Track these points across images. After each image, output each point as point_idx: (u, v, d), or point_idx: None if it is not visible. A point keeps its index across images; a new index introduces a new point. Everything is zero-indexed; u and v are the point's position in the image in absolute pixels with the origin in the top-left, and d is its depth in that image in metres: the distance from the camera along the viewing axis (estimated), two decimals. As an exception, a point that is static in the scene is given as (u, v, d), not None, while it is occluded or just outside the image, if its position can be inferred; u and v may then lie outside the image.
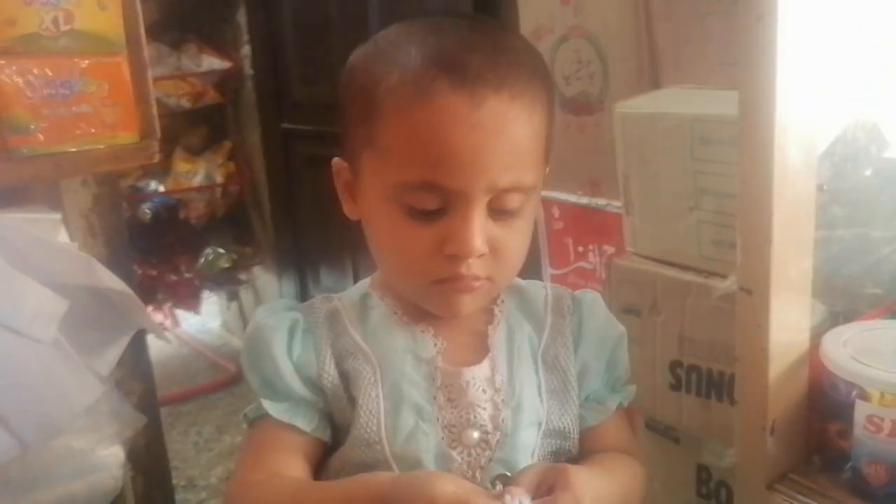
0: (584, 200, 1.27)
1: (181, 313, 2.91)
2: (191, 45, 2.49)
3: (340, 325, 0.70)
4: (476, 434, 0.66)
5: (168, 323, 2.89)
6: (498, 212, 0.63)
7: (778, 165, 0.69)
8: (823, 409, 0.76)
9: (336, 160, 0.70)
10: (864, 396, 0.70)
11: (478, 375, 0.67)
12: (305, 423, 0.67)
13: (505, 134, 0.61)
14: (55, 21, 0.85)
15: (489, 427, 0.66)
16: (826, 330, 0.78)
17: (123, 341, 0.96)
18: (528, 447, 0.67)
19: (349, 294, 0.73)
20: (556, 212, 1.34)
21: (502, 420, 0.66)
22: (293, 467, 0.66)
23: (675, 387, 1.02)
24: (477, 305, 0.68)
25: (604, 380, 0.73)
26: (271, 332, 0.68)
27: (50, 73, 0.86)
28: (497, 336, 0.70)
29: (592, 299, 0.75)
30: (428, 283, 0.65)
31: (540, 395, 0.69)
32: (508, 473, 0.64)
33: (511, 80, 0.62)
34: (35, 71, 0.85)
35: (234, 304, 2.88)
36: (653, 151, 1.00)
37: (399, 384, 0.67)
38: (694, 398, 1.00)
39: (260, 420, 0.68)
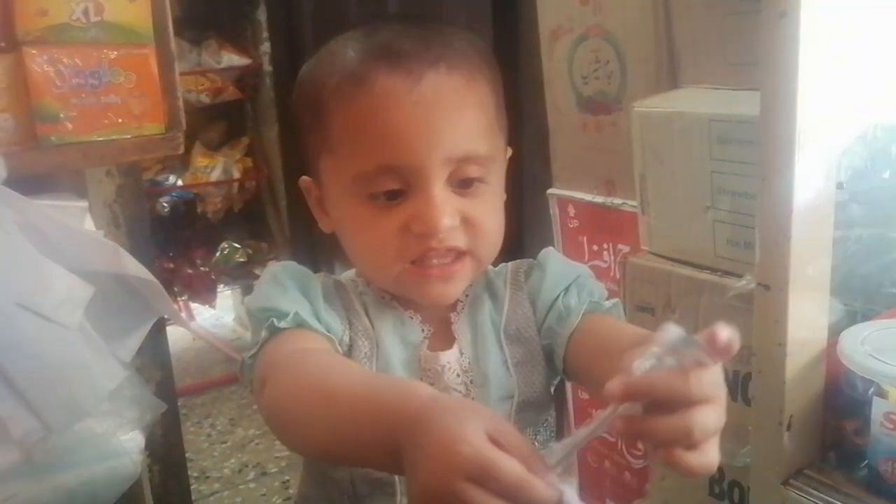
0: (600, 199, 1.28)
1: (196, 307, 2.93)
2: (211, 41, 2.52)
3: (347, 297, 0.72)
4: None
5: (183, 316, 2.92)
6: (460, 185, 0.64)
7: (798, 163, 0.69)
8: (840, 406, 0.77)
9: (303, 178, 0.72)
10: (882, 394, 0.70)
11: (452, 359, 0.69)
12: (337, 336, 0.66)
13: (448, 104, 0.63)
14: (85, 12, 0.86)
15: None
16: (843, 328, 0.79)
17: (145, 328, 0.97)
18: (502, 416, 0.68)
19: (343, 277, 0.75)
20: (571, 210, 1.35)
21: (472, 399, 0.68)
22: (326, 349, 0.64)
23: (690, 385, 1.02)
24: (459, 289, 0.69)
25: (566, 297, 0.71)
26: (302, 275, 0.69)
27: (79, 64, 0.87)
28: (460, 321, 0.71)
29: (547, 251, 0.76)
30: (405, 268, 0.65)
31: (508, 368, 0.70)
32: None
33: (446, 55, 0.63)
34: (65, 61, 0.86)
35: (248, 299, 2.90)
36: (670, 151, 1.01)
37: (391, 362, 0.69)
38: (708, 397, 1.00)
39: (283, 331, 0.64)
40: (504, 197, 0.72)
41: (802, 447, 0.77)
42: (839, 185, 0.75)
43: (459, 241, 0.65)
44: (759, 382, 0.77)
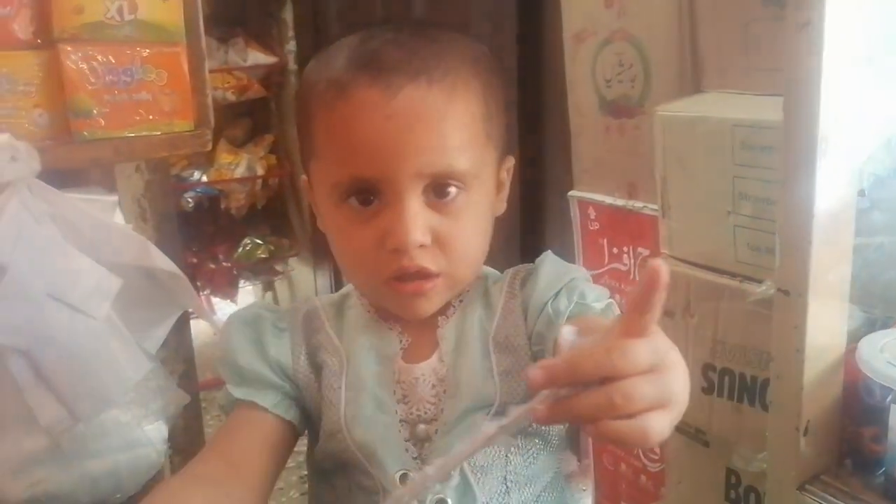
0: (621, 202, 1.28)
1: (218, 301, 2.96)
2: (238, 39, 2.54)
3: (318, 321, 0.73)
4: (424, 427, 0.68)
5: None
6: (437, 201, 0.64)
7: (820, 170, 0.70)
8: (857, 412, 0.76)
9: (302, 177, 0.73)
10: (900, 401, 0.70)
11: (426, 370, 0.69)
12: (266, 400, 0.69)
13: (424, 120, 0.61)
14: (120, 10, 0.89)
15: (436, 420, 0.68)
16: (862, 335, 0.78)
17: (171, 321, 0.99)
18: (470, 430, 0.67)
19: (331, 296, 0.77)
20: (592, 213, 1.35)
21: (442, 410, 0.68)
22: (244, 448, 0.68)
23: (707, 390, 1.02)
24: (436, 305, 0.69)
25: (556, 301, 0.70)
26: (244, 324, 0.72)
27: (113, 61, 0.90)
28: (447, 327, 0.71)
29: (543, 256, 0.75)
30: (381, 283, 0.66)
31: (493, 377, 0.69)
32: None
33: (430, 68, 0.62)
34: (99, 58, 0.89)
35: (268, 295, 2.93)
36: (692, 155, 1.01)
37: (361, 377, 0.69)
38: (725, 402, 1.00)
39: (230, 406, 0.71)
40: (495, 210, 0.71)
41: (819, 453, 0.77)
42: (861, 193, 0.75)
43: (431, 262, 0.64)
44: (777, 387, 0.77)
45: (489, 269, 0.76)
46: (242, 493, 0.64)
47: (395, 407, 0.69)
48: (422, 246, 0.63)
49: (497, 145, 0.69)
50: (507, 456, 0.69)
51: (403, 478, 0.67)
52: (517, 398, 0.69)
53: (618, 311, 0.72)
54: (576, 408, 0.44)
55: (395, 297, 0.67)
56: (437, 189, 0.64)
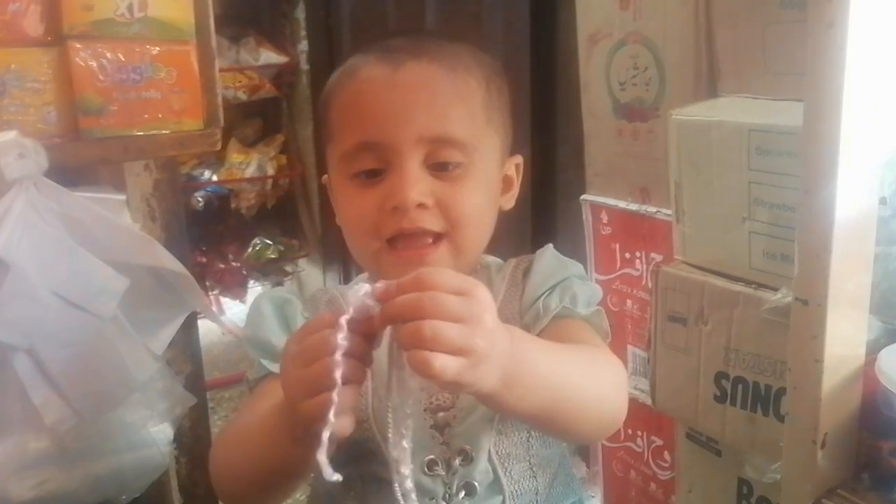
0: (634, 207, 1.27)
1: (226, 301, 2.96)
2: (249, 38, 2.54)
3: (336, 305, 0.76)
4: (443, 415, 0.71)
5: (214, 310, 2.95)
6: (437, 168, 0.68)
7: (841, 176, 0.68)
8: (876, 426, 0.75)
9: (324, 177, 0.78)
10: (920, 415, 0.69)
11: None
12: None
13: (425, 88, 0.68)
14: (130, 7, 0.88)
15: (453, 407, 0.71)
16: (882, 346, 0.77)
17: (178, 322, 0.98)
18: (487, 415, 0.70)
19: (344, 286, 0.79)
20: (604, 217, 1.34)
21: (457, 397, 0.71)
22: None
23: (720, 398, 1.01)
24: None
25: (548, 297, 0.73)
26: (274, 305, 0.75)
27: (122, 59, 0.89)
28: None
29: (542, 250, 0.78)
30: (381, 247, 0.69)
31: None
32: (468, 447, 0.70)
33: (433, 52, 0.69)
34: (108, 56, 0.88)
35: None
36: (707, 160, 0.99)
37: (383, 366, 0.70)
38: (738, 411, 0.99)
39: (259, 381, 0.74)
40: (503, 204, 0.75)
41: (836, 466, 0.76)
42: (882, 201, 0.74)
43: (432, 223, 0.68)
44: (794, 398, 0.75)
45: (493, 259, 0.79)
46: None
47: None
48: (422, 206, 0.67)
49: (499, 133, 0.73)
50: (528, 441, 0.72)
51: (432, 463, 0.69)
52: None
53: (604, 318, 0.75)
54: (399, 335, 0.53)
55: (393, 264, 0.69)
56: (436, 156, 0.68)
